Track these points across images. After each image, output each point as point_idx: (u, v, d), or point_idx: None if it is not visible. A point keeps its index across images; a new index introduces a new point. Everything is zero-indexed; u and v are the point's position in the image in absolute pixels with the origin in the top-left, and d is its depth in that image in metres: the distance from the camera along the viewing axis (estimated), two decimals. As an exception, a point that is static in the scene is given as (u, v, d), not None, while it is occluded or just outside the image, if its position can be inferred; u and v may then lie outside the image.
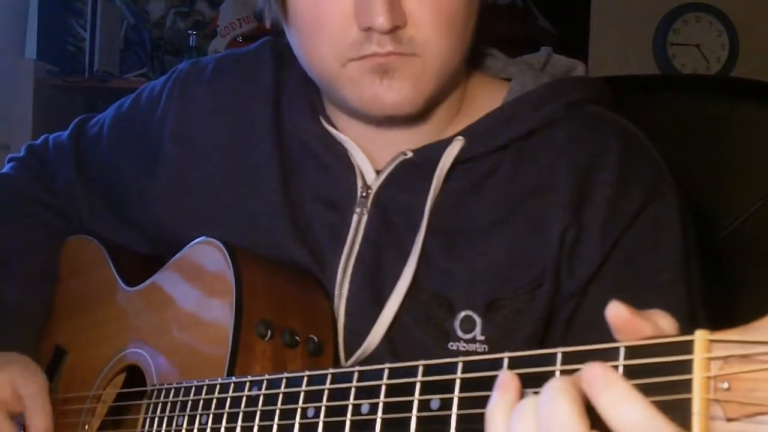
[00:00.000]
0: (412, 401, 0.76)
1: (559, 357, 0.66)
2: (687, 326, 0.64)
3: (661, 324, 0.64)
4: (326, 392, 0.85)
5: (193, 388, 1.03)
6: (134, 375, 1.21)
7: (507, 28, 3.28)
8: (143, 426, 1.10)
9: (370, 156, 1.19)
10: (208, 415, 0.99)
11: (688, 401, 0.57)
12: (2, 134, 3.34)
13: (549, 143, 1.14)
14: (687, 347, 0.58)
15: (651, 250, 1.11)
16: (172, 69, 1.40)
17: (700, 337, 0.57)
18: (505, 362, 0.69)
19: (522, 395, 0.66)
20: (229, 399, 0.97)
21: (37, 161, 1.49)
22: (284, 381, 0.91)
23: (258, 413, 0.92)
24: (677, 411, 0.57)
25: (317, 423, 0.85)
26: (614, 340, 0.64)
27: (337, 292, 1.14)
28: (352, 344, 1.12)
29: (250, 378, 0.95)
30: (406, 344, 1.11)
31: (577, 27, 3.58)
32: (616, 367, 0.61)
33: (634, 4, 3.61)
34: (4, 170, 1.51)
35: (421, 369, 0.76)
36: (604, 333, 0.65)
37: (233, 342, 1.02)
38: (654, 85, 1.77)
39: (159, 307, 1.21)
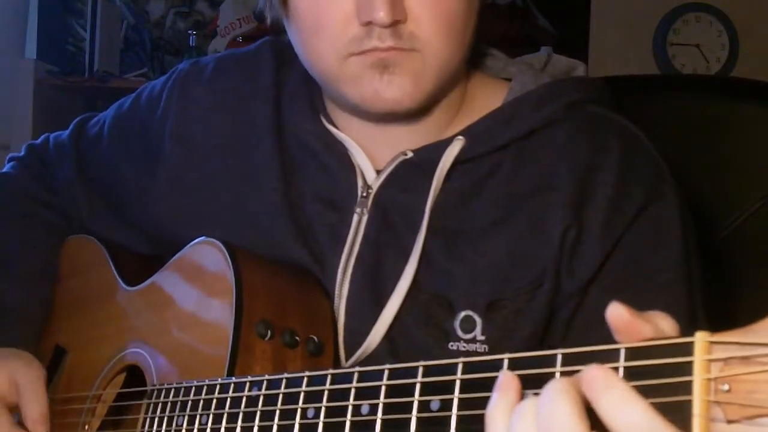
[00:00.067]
0: (412, 402, 0.76)
1: (560, 358, 0.66)
2: (687, 326, 0.64)
3: (662, 325, 0.64)
4: (326, 393, 0.85)
5: (193, 388, 1.03)
6: (134, 375, 1.21)
7: (507, 28, 3.28)
8: (143, 426, 1.10)
9: (371, 155, 1.19)
10: (208, 415, 0.99)
11: (689, 403, 0.57)
12: (2, 134, 3.34)
13: (549, 143, 1.14)
14: (687, 349, 0.58)
15: (651, 250, 1.11)
16: (172, 69, 1.40)
17: (700, 338, 0.57)
18: (506, 363, 0.69)
19: (522, 396, 0.66)
20: (229, 399, 0.97)
21: (38, 161, 1.49)
22: (284, 381, 0.91)
23: (258, 413, 0.92)
24: (677, 413, 0.57)
25: (317, 423, 0.85)
26: (614, 341, 0.64)
27: (337, 292, 1.14)
28: (353, 344, 1.12)
29: (250, 378, 0.95)
30: (407, 344, 1.11)
31: (577, 27, 3.58)
32: (616, 368, 0.61)
33: (634, 4, 3.62)
34: (4, 169, 1.51)
35: (421, 370, 0.76)
36: (605, 333, 0.65)
37: (233, 342, 1.01)
38: (654, 85, 1.77)
39: (159, 307, 1.21)
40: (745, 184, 1.48)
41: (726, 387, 0.55)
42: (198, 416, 1.00)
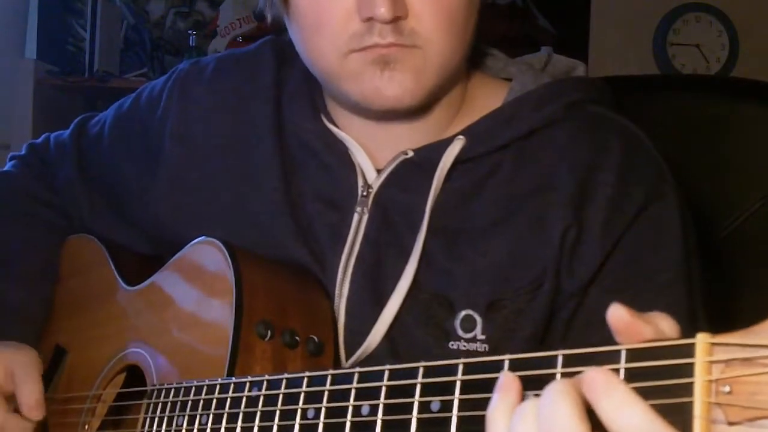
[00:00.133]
0: (413, 403, 0.76)
1: (560, 359, 0.66)
2: (687, 326, 0.64)
3: (662, 326, 0.64)
4: (326, 393, 0.85)
5: (193, 388, 1.03)
6: (134, 375, 1.21)
7: (507, 28, 3.28)
8: (143, 426, 1.10)
9: (371, 155, 1.19)
10: (208, 415, 0.99)
11: (690, 404, 0.56)
12: (2, 134, 3.34)
13: (549, 143, 1.14)
14: (688, 350, 0.58)
15: (651, 250, 1.11)
16: (172, 69, 1.40)
17: (701, 340, 0.57)
18: (506, 364, 0.69)
19: (523, 397, 0.66)
20: (229, 399, 0.97)
21: (39, 160, 1.49)
22: (284, 382, 0.91)
23: (258, 414, 0.92)
24: (678, 414, 0.57)
25: (317, 424, 0.85)
26: (615, 342, 0.64)
27: (337, 291, 1.14)
28: (353, 344, 1.12)
29: (250, 378, 0.95)
30: (407, 344, 1.11)
31: (577, 27, 3.58)
32: (617, 369, 0.61)
33: (634, 4, 3.62)
34: (5, 168, 1.51)
35: (421, 370, 0.76)
36: (605, 333, 0.65)
37: (233, 342, 1.01)
38: (654, 85, 1.77)
39: (159, 307, 1.21)
40: (745, 184, 1.48)
41: (727, 389, 0.55)
42: (198, 416, 1.00)
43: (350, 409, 0.82)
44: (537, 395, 0.64)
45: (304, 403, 0.87)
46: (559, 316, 1.12)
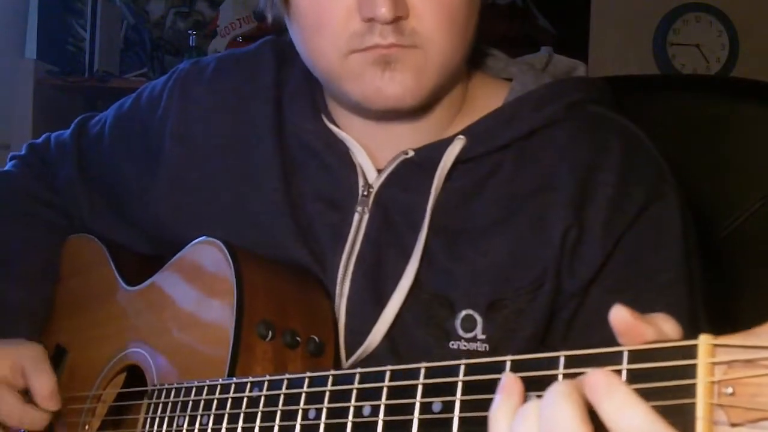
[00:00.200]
0: (414, 404, 0.76)
1: (562, 360, 0.66)
2: (688, 326, 0.64)
3: (664, 328, 0.64)
4: (328, 394, 0.85)
5: (194, 388, 1.03)
6: (134, 375, 1.21)
7: (507, 28, 3.28)
8: (143, 426, 1.10)
9: (372, 155, 1.19)
10: (209, 415, 0.99)
11: (692, 406, 0.57)
12: (2, 134, 3.34)
13: (550, 143, 1.14)
14: (691, 352, 0.58)
15: (652, 250, 1.11)
16: (172, 69, 1.40)
17: (704, 341, 0.57)
18: (508, 365, 0.69)
19: (525, 398, 0.66)
20: (230, 400, 0.97)
21: (39, 160, 1.49)
22: (285, 382, 0.91)
23: (259, 414, 0.92)
24: (680, 415, 0.57)
25: (318, 425, 0.85)
26: (615, 341, 0.64)
27: (338, 291, 1.14)
28: (353, 344, 1.12)
29: (251, 379, 0.95)
30: (407, 343, 1.11)
31: (577, 27, 3.57)
32: (619, 371, 0.61)
33: (634, 4, 3.61)
34: (5, 168, 1.51)
35: (423, 371, 0.76)
36: (605, 333, 0.65)
37: (234, 342, 1.01)
38: (654, 85, 1.78)
39: (159, 307, 1.21)
40: (745, 184, 1.48)
41: (730, 390, 0.55)
42: (199, 417, 1.00)
43: (351, 409, 0.82)
44: (539, 396, 0.64)
45: (305, 404, 0.87)
46: (560, 316, 1.12)
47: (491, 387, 0.68)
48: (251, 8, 3.54)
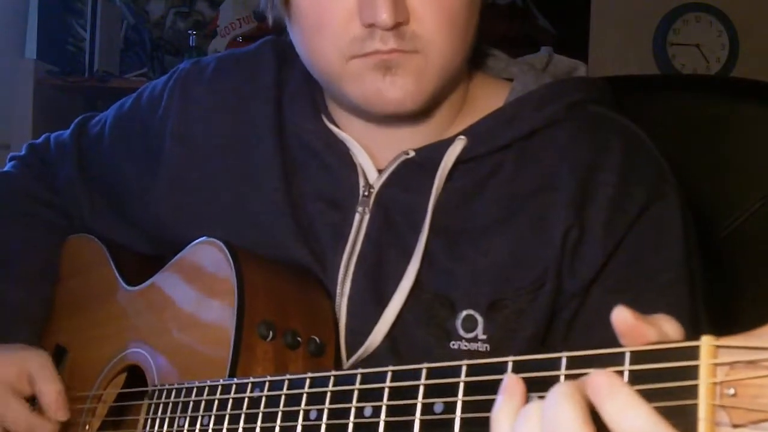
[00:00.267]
0: (416, 404, 0.76)
1: (564, 361, 0.66)
2: (689, 327, 0.64)
3: (666, 329, 0.64)
4: (329, 394, 0.85)
5: (195, 389, 1.03)
6: (135, 375, 1.21)
7: (507, 28, 3.28)
8: (144, 426, 1.10)
9: (372, 155, 1.19)
10: (209, 416, 0.99)
11: (694, 407, 0.57)
12: (2, 134, 3.34)
13: (551, 143, 1.14)
14: (693, 353, 0.58)
15: (653, 250, 1.11)
16: (172, 69, 1.40)
17: (706, 342, 0.57)
18: (510, 366, 0.69)
19: (527, 399, 0.66)
20: (231, 400, 0.97)
21: (39, 160, 1.49)
22: (286, 383, 0.91)
23: (260, 415, 0.92)
24: (683, 417, 0.57)
25: (320, 425, 0.85)
26: (616, 341, 0.64)
27: (338, 291, 1.14)
28: (354, 344, 1.12)
29: (252, 379, 0.95)
30: (408, 343, 1.11)
31: (577, 27, 3.57)
32: (621, 372, 0.61)
33: (634, 4, 3.61)
34: (5, 169, 1.51)
35: (424, 372, 0.76)
36: (606, 334, 0.65)
37: (235, 343, 1.01)
38: (654, 85, 1.77)
39: (160, 307, 1.21)
40: (745, 184, 1.48)
41: (732, 391, 0.55)
42: (199, 417, 1.00)
43: (353, 410, 0.82)
44: (541, 397, 0.64)
45: (306, 405, 0.87)
46: (561, 317, 1.12)
47: (493, 388, 0.68)
48: (251, 8, 3.54)
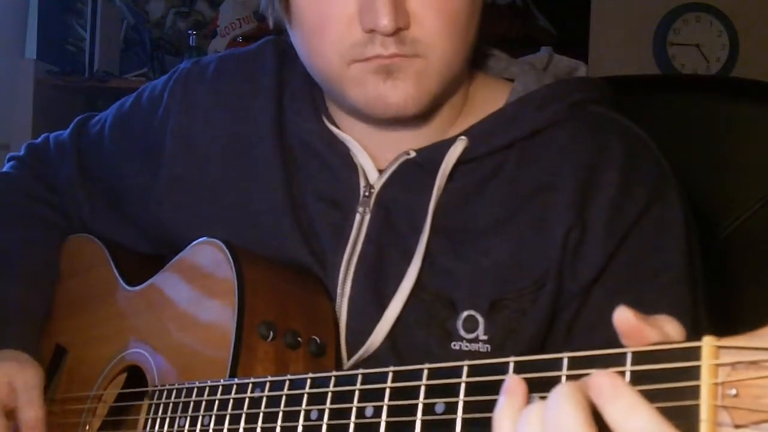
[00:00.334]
0: (417, 405, 0.76)
1: (566, 362, 0.66)
2: (690, 326, 0.64)
3: (668, 330, 0.64)
4: (330, 395, 0.85)
5: (195, 389, 1.03)
6: (135, 375, 1.21)
7: (507, 28, 3.28)
8: (144, 427, 1.10)
9: (373, 155, 1.19)
10: (210, 416, 0.99)
11: (696, 408, 0.56)
12: (2, 134, 3.35)
13: (552, 144, 1.14)
14: (694, 353, 0.58)
15: (654, 250, 1.11)
16: (173, 68, 1.40)
17: (707, 343, 0.57)
18: (511, 366, 0.69)
19: (528, 400, 0.66)
20: (231, 401, 0.97)
21: (38, 160, 1.49)
22: (287, 383, 0.90)
23: (261, 415, 0.92)
24: (684, 417, 0.57)
25: (320, 426, 0.85)
26: (617, 341, 0.64)
27: (339, 291, 1.14)
28: (355, 344, 1.12)
29: (252, 380, 0.95)
30: (409, 344, 1.11)
31: (577, 27, 3.57)
32: (622, 372, 0.61)
33: (634, 4, 3.61)
34: (4, 169, 1.51)
35: (425, 372, 0.76)
36: (607, 334, 0.65)
37: (235, 343, 1.01)
38: (654, 85, 1.77)
39: (160, 307, 1.21)
40: (745, 184, 1.48)
41: (733, 392, 0.55)
42: (200, 417, 1.00)
43: (354, 410, 0.82)
44: (542, 398, 0.64)
45: (307, 405, 0.87)
46: (562, 317, 1.12)
47: (494, 388, 0.68)
48: (251, 8, 3.54)
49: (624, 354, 0.62)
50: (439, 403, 0.74)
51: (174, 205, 1.29)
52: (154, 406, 1.09)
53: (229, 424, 0.96)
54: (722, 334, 0.58)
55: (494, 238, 1.12)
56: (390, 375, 0.79)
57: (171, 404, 1.06)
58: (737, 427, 0.54)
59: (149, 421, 1.10)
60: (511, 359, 0.69)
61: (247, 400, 0.94)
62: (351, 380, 0.83)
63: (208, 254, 1.15)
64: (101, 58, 3.65)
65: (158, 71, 3.81)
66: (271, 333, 1.03)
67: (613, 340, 0.64)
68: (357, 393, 0.82)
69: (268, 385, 0.93)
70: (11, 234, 1.41)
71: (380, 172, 1.18)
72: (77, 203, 1.43)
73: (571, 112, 1.16)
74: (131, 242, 1.40)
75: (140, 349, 1.19)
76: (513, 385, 0.67)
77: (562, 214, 1.10)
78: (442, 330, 1.11)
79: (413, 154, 1.16)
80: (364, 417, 0.81)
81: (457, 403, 0.72)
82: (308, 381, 0.88)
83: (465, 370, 0.73)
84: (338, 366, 1.10)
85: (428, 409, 0.75)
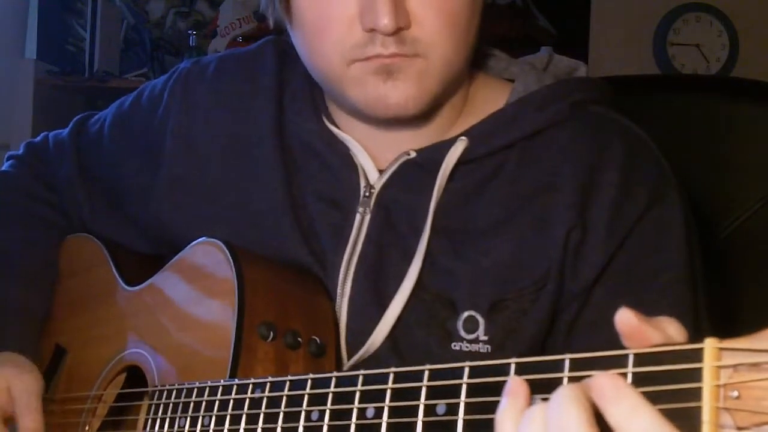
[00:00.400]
0: (418, 406, 0.76)
1: (567, 363, 0.65)
2: (690, 326, 0.64)
3: (669, 331, 0.64)
4: (331, 395, 0.85)
5: (195, 389, 1.03)
6: (135, 375, 1.21)
7: (507, 28, 3.28)
8: (145, 427, 1.10)
9: (373, 156, 1.19)
10: (210, 417, 0.99)
11: (698, 409, 0.56)
12: (2, 134, 3.35)
13: (552, 144, 1.14)
14: (696, 355, 0.57)
15: (655, 251, 1.11)
16: (173, 68, 1.40)
17: (709, 345, 0.57)
18: (512, 368, 0.69)
19: (530, 401, 0.66)
20: (231, 401, 0.96)
21: (37, 159, 1.48)
22: (288, 383, 0.90)
23: (261, 416, 0.92)
24: (687, 419, 0.57)
25: (321, 426, 0.85)
26: (618, 341, 0.64)
27: (339, 291, 1.14)
28: (355, 344, 1.12)
29: (253, 380, 0.95)
30: (409, 344, 1.11)
31: (577, 27, 3.57)
32: (624, 374, 0.61)
33: (634, 4, 3.61)
34: (3, 168, 1.50)
35: (426, 373, 0.76)
36: (608, 334, 0.65)
37: (235, 343, 1.01)
38: (654, 85, 1.77)
39: (160, 307, 1.21)
40: (745, 184, 1.48)
41: (735, 394, 0.55)
42: (200, 418, 1.00)
43: (355, 411, 0.82)
44: (544, 399, 0.64)
45: (308, 406, 0.87)
46: (563, 317, 1.12)
47: (496, 389, 0.68)
48: (251, 8, 3.54)
49: (626, 355, 0.62)
50: (441, 405, 0.74)
51: (174, 205, 1.29)
52: (154, 406, 1.09)
53: (230, 424, 0.96)
54: (723, 334, 0.58)
55: (495, 239, 1.12)
56: (391, 376, 0.79)
57: (171, 404, 1.06)
58: (739, 429, 0.54)
59: (149, 421, 1.09)
60: (513, 360, 0.69)
61: (247, 400, 0.94)
62: (352, 381, 0.83)
63: (208, 254, 1.14)
64: (101, 58, 3.65)
65: (158, 71, 3.82)
66: (271, 333, 1.03)
67: (614, 340, 0.64)
68: (358, 394, 0.82)
69: (268, 385, 0.93)
70: (11, 233, 1.41)
71: (380, 172, 1.18)
72: (77, 203, 1.43)
73: (571, 113, 1.16)
74: (131, 242, 1.40)
75: (140, 349, 1.19)
76: (515, 386, 0.67)
77: (563, 215, 1.10)
78: (443, 330, 1.11)
79: (413, 154, 1.16)
80: (365, 418, 0.81)
81: (458, 404, 0.72)
82: (309, 382, 0.88)
83: (466, 371, 0.72)
84: (338, 366, 1.10)
85: (429, 410, 0.75)
